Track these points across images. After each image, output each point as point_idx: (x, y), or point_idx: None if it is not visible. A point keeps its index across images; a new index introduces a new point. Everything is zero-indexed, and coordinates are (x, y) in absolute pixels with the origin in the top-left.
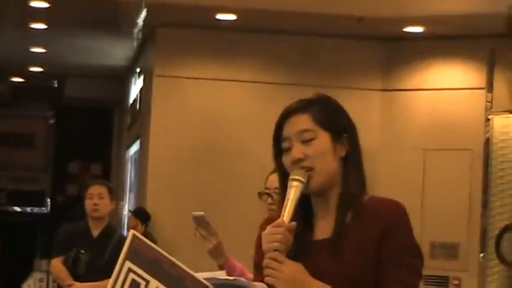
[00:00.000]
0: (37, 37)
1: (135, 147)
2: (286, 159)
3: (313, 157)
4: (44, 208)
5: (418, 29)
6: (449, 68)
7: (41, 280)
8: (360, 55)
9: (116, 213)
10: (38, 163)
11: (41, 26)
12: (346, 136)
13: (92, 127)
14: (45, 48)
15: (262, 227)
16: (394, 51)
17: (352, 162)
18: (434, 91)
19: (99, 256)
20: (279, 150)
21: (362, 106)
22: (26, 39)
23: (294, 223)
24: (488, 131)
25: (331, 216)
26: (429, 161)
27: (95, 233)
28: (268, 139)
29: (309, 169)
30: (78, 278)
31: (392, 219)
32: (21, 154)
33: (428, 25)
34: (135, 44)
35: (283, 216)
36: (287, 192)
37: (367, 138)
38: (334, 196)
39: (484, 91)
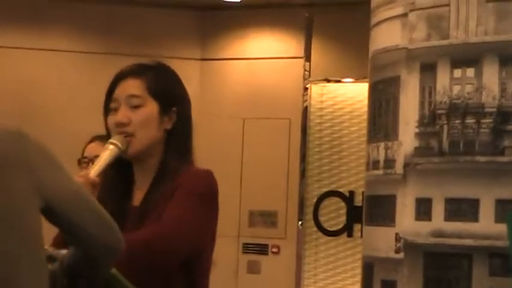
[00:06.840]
0: None
1: None
2: (110, 120)
3: (137, 124)
4: None
5: None
6: (266, 37)
7: None
8: (175, 24)
9: None
10: None
11: None
12: (175, 109)
13: None
14: None
15: None
16: (211, 20)
17: (176, 135)
18: (252, 60)
19: None
20: (108, 110)
21: (181, 76)
22: None
23: (96, 178)
24: (306, 100)
25: (148, 186)
26: (248, 131)
27: None
28: (80, 108)
29: (129, 135)
30: None
31: (189, 179)
32: None
33: None
34: None
35: (89, 171)
36: (101, 153)
37: None
38: (152, 166)
39: (301, 60)
